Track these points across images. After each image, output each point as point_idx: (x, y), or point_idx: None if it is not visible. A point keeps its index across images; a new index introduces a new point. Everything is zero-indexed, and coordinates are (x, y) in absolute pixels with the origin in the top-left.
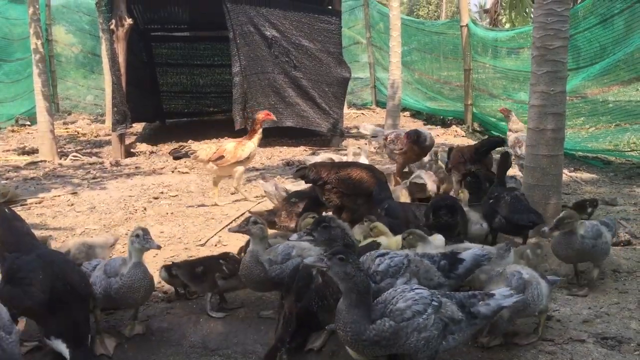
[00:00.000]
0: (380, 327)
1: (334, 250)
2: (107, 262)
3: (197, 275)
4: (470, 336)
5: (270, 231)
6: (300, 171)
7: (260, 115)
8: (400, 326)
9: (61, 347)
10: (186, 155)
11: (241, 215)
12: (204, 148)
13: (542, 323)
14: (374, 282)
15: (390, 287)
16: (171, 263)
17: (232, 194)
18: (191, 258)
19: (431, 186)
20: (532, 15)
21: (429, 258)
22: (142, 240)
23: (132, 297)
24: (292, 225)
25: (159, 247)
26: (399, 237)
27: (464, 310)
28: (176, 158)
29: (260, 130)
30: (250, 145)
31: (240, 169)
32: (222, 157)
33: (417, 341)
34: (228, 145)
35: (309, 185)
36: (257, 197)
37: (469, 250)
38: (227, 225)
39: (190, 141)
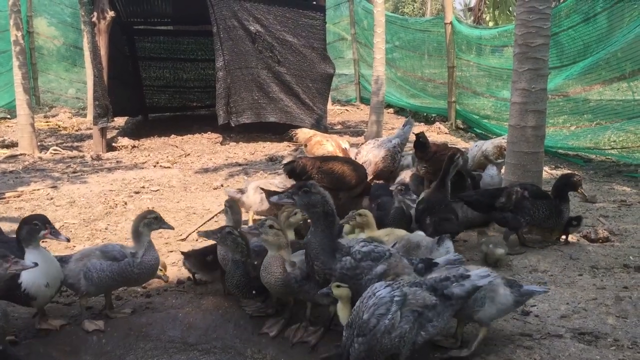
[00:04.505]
0: (355, 346)
1: (297, 185)
2: (101, 249)
3: (208, 264)
4: (449, 321)
5: None
6: (289, 165)
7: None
8: (369, 337)
9: None
10: (291, 138)
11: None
12: (304, 131)
13: (480, 338)
14: (354, 260)
15: (369, 268)
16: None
17: (215, 188)
18: (199, 247)
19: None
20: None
21: (408, 259)
22: (159, 222)
23: (146, 276)
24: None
25: (172, 228)
26: (381, 232)
27: (436, 293)
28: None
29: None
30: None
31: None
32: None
33: (390, 341)
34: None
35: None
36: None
37: (444, 256)
38: (209, 220)
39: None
